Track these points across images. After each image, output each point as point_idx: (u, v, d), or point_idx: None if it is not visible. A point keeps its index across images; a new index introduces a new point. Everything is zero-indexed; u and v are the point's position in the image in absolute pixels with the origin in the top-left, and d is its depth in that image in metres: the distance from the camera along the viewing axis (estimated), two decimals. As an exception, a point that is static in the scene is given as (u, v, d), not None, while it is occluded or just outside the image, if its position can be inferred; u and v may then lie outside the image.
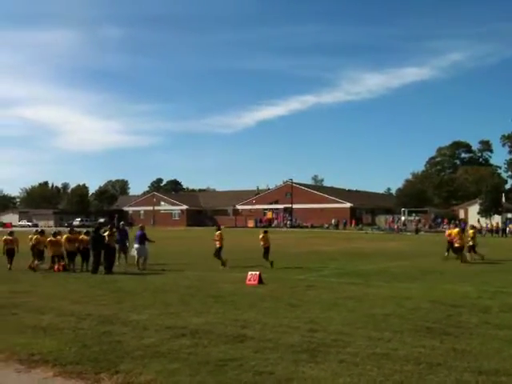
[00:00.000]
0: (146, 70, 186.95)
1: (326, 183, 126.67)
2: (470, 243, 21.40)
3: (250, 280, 13.99)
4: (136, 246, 18.59)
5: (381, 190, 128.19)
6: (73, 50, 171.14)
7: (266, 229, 22.77)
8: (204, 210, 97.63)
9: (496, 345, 7.34)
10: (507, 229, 54.24)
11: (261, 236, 19.48)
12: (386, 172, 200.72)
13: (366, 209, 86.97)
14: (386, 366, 6.31)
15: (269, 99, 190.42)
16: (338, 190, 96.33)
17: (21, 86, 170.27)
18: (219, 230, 19.45)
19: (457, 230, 22.19)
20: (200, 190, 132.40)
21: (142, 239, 18.63)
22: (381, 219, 73.39)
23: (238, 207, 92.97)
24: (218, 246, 18.61)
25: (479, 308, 10.27)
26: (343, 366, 6.29)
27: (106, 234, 18.10)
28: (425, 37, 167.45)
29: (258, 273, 14.10)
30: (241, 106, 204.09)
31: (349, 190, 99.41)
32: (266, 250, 18.97)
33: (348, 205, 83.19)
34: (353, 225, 74.98)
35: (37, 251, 18.38)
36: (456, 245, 21.06)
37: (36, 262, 18.19)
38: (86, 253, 18.12)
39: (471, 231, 22.23)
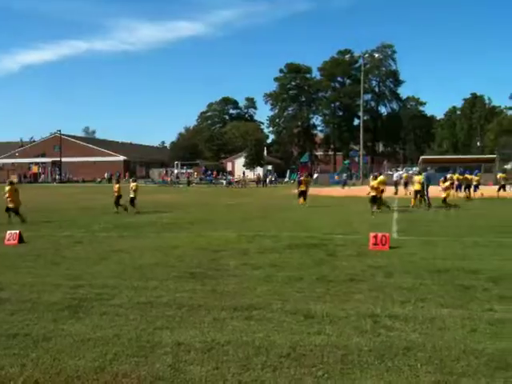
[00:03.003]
0: None
1: (99, 135, 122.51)
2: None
3: (9, 240, 12.84)
4: None
5: (155, 143, 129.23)
6: None
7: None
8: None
9: (251, 283, 8.05)
10: (267, 180, 59.77)
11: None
12: (160, 126, 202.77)
13: (140, 162, 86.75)
14: (149, 313, 6.45)
15: (34, 42, 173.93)
16: (111, 142, 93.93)
17: None
18: None
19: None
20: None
21: None
22: (155, 172, 74.04)
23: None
24: None
25: (238, 251, 11.14)
26: (106, 319, 6.23)
27: None
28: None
29: (17, 231, 13.00)
30: (0, 47, 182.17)
31: (122, 143, 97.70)
32: None
33: (122, 158, 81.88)
34: (126, 178, 74.19)
35: None
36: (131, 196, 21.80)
37: None
38: None
39: (133, 184, 22.55)
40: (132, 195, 21.86)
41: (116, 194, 21.59)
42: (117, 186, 21.85)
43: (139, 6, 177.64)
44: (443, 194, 21.87)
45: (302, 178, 26.55)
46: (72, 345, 5.35)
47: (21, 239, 12.87)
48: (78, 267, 9.58)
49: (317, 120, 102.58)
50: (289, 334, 5.60)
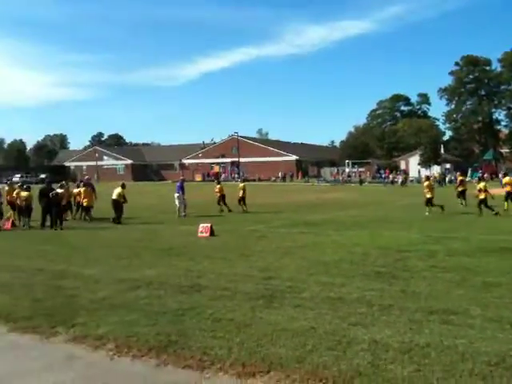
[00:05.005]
0: (82, 18, 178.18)
1: (271, 136, 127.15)
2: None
3: (201, 232, 13.97)
4: (177, 195, 20.46)
5: (325, 143, 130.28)
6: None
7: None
8: (150, 165, 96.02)
9: (443, 287, 7.63)
10: (446, 178, 56.39)
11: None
12: (329, 125, 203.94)
13: (311, 161, 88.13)
14: (340, 309, 6.49)
15: (212, 51, 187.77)
16: (283, 143, 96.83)
17: None
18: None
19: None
20: (144, 145, 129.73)
21: (182, 189, 20.51)
22: (326, 171, 74.57)
23: (185, 161, 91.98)
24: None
25: (425, 253, 10.64)
26: (299, 311, 6.42)
27: (59, 190, 17.80)
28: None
29: (209, 225, 14.08)
30: (183, 57, 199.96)
31: (294, 143, 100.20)
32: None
33: (294, 157, 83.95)
34: (299, 177, 75.97)
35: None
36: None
37: None
38: (27, 209, 17.54)
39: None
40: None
41: (219, 194, 22.09)
42: (218, 186, 22.25)
43: (306, 9, 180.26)
44: None
45: (461, 178, 25.19)
46: (272, 333, 5.60)
47: (212, 232, 13.91)
48: (265, 260, 10.05)
49: (500, 115, 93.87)
50: (494, 343, 5.19)
